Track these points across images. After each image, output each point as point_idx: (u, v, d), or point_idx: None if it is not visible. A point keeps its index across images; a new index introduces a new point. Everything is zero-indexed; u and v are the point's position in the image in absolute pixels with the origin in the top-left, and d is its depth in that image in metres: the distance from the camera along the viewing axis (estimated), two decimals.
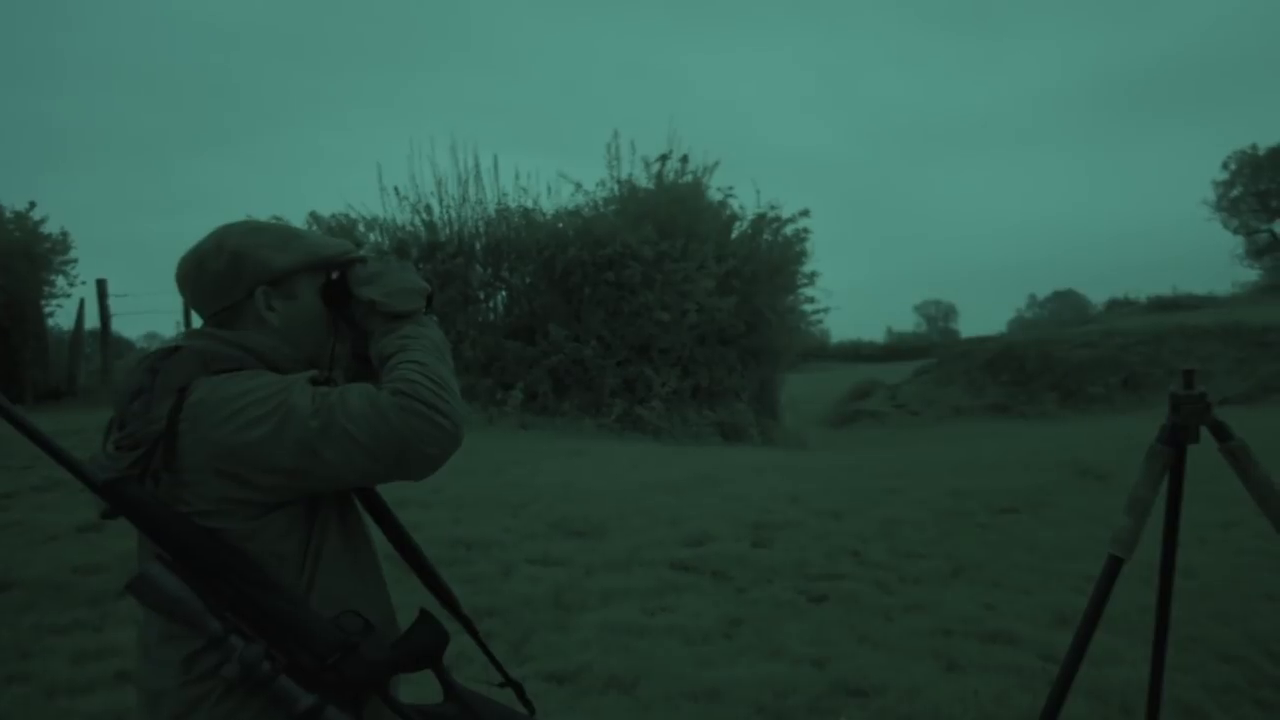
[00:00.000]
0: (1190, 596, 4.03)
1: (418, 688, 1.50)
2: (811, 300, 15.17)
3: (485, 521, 5.67)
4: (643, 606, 4.27)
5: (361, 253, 1.48)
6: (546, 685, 3.39)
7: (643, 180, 14.07)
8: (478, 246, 13.32)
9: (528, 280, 13.26)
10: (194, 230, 1.41)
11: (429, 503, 5.95)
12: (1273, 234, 44.83)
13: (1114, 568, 2.04)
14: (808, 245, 14.62)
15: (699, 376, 13.27)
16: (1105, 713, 3.11)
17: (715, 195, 14.22)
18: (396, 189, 13.61)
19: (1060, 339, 20.62)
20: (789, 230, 14.49)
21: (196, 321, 1.46)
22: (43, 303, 13.31)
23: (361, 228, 13.68)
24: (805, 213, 14.47)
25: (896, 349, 48.64)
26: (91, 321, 13.46)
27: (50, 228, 13.35)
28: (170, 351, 1.34)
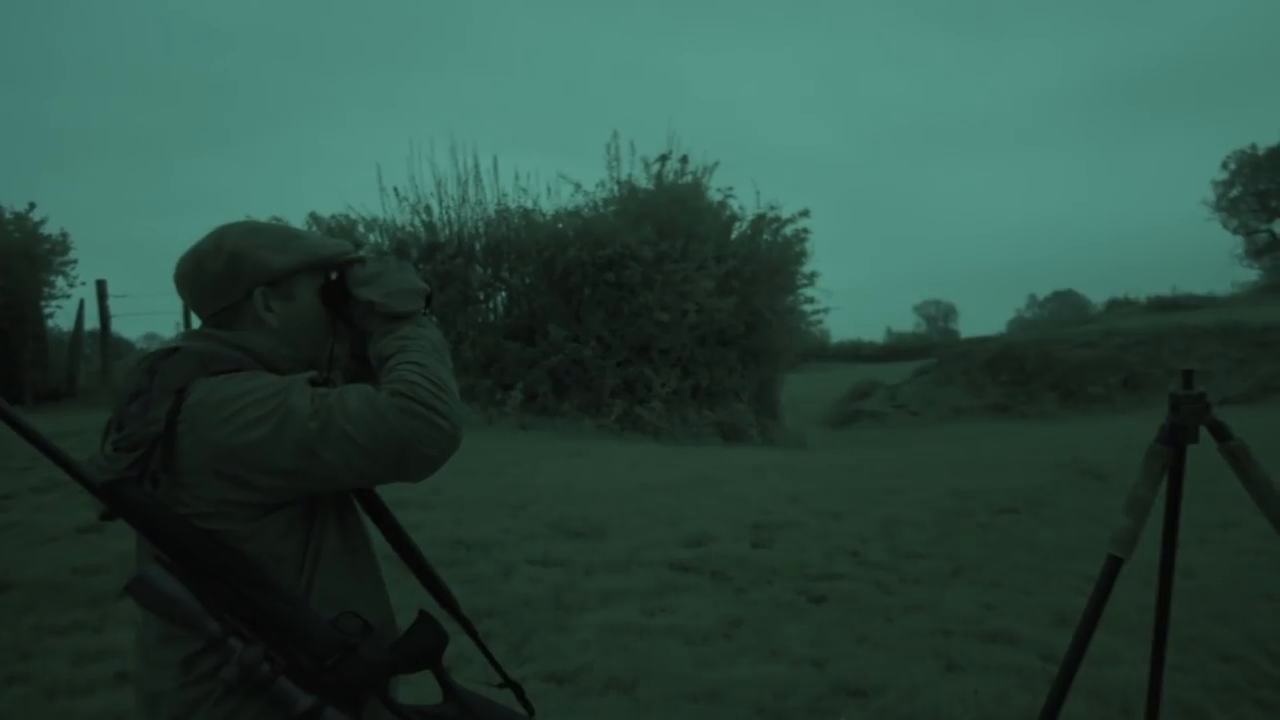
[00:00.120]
0: (1190, 596, 4.02)
1: (417, 689, 1.50)
2: (811, 300, 15.20)
3: (485, 522, 5.67)
4: (642, 607, 4.26)
5: (360, 253, 1.47)
6: (546, 686, 3.39)
7: (642, 181, 14.09)
8: (477, 247, 13.32)
9: (527, 281, 13.26)
10: (194, 231, 1.41)
11: (429, 503, 5.95)
12: (1272, 234, 44.85)
13: (1113, 568, 2.04)
14: (807, 245, 14.64)
15: (699, 377, 13.27)
16: (1105, 713, 3.11)
17: (715, 195, 14.25)
18: (396, 189, 13.62)
19: (1060, 339, 20.61)
20: (789, 230, 14.51)
21: (196, 323, 1.46)
22: (42, 304, 13.30)
23: (361, 228, 13.69)
24: (805, 213, 14.49)
25: (896, 349, 48.62)
26: (91, 322, 13.48)
27: (50, 228, 13.37)
28: (169, 352, 1.33)
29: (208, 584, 1.21)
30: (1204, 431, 2.05)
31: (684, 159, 13.98)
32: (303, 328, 1.40)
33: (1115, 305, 36.41)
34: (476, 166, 13.62)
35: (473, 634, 1.52)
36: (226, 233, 1.39)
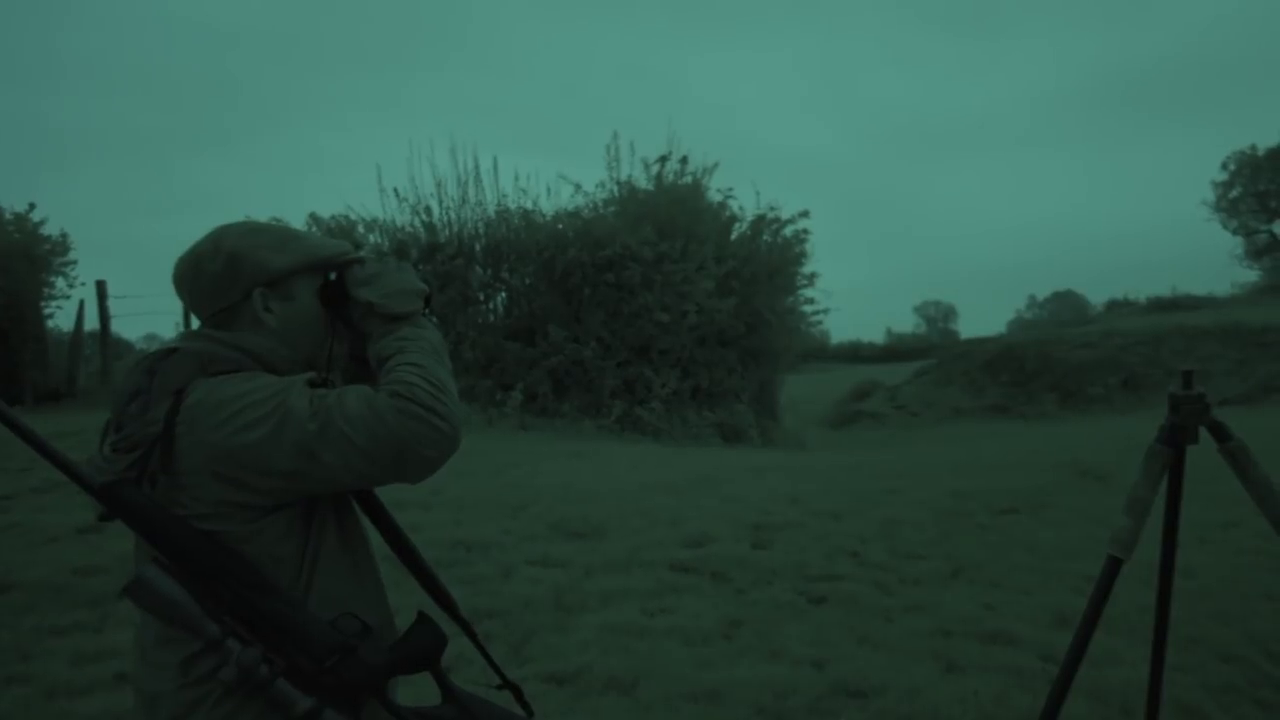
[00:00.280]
0: (1190, 597, 4.02)
1: (416, 690, 1.50)
2: (811, 301, 15.20)
3: (485, 523, 5.67)
4: (642, 608, 4.26)
5: (360, 254, 1.47)
6: (546, 686, 3.38)
7: (642, 181, 14.09)
8: (477, 248, 13.32)
9: (527, 281, 13.26)
10: (194, 231, 1.41)
11: (429, 504, 5.95)
12: (1272, 234, 44.85)
13: (1113, 568, 2.04)
14: (807, 246, 14.65)
15: (699, 377, 13.27)
16: (1105, 713, 3.11)
17: (715, 196, 14.26)
18: (396, 190, 13.63)
19: (1060, 339, 20.61)
20: (788, 231, 14.51)
21: (196, 323, 1.45)
22: (42, 304, 13.29)
23: (361, 229, 13.69)
24: (805, 214, 14.50)
25: (896, 350, 48.62)
26: (91, 323, 13.47)
27: (50, 229, 13.36)
28: (167, 353, 1.33)
29: (206, 585, 1.21)
30: (1203, 432, 2.05)
31: (684, 160, 13.99)
32: (302, 328, 1.40)
33: (1115, 306, 36.40)
34: (476, 167, 13.65)
35: (471, 635, 1.52)
36: (225, 233, 1.39)
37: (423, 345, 1.32)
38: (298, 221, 12.93)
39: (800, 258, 14.65)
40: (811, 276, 14.92)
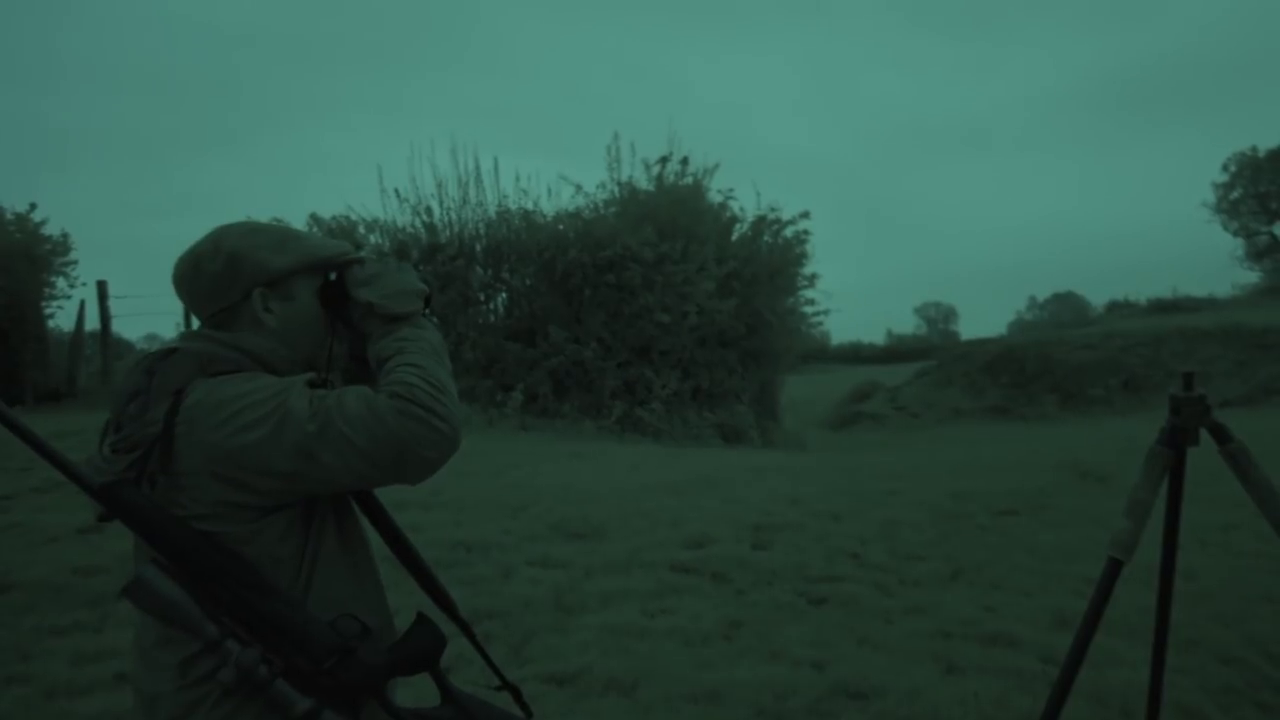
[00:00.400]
0: (1190, 599, 4.02)
1: (416, 691, 1.50)
2: (812, 302, 15.22)
3: (485, 524, 5.67)
4: (643, 608, 4.26)
5: (360, 254, 1.47)
6: (546, 687, 3.38)
7: (643, 182, 14.11)
8: (478, 248, 13.33)
9: (528, 282, 13.27)
10: (195, 232, 1.41)
11: (429, 505, 5.94)
12: (1272, 236, 44.84)
13: (1114, 570, 2.04)
14: (808, 247, 14.67)
15: (699, 378, 13.28)
16: (1105, 715, 3.11)
17: (715, 197, 14.27)
18: (397, 191, 13.64)
19: (1060, 341, 20.60)
20: (789, 232, 14.53)
21: (197, 324, 1.45)
22: (43, 304, 13.30)
23: (362, 229, 13.70)
24: (805, 215, 14.52)
25: (896, 351, 48.64)
26: (92, 323, 13.46)
27: (51, 229, 13.37)
28: (167, 353, 1.33)
29: (205, 586, 1.21)
30: (1204, 434, 2.05)
31: (684, 160, 14.01)
32: (301, 329, 1.40)
33: (1115, 307, 36.41)
34: (477, 168, 13.66)
35: (470, 636, 1.52)
36: (225, 233, 1.38)
37: (422, 346, 1.32)
38: (299, 222, 12.95)
39: (801, 259, 14.67)
40: (812, 277, 14.95)
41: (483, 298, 13.47)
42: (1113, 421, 15.27)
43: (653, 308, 12.74)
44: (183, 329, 1.64)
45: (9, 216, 12.99)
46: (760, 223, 14.38)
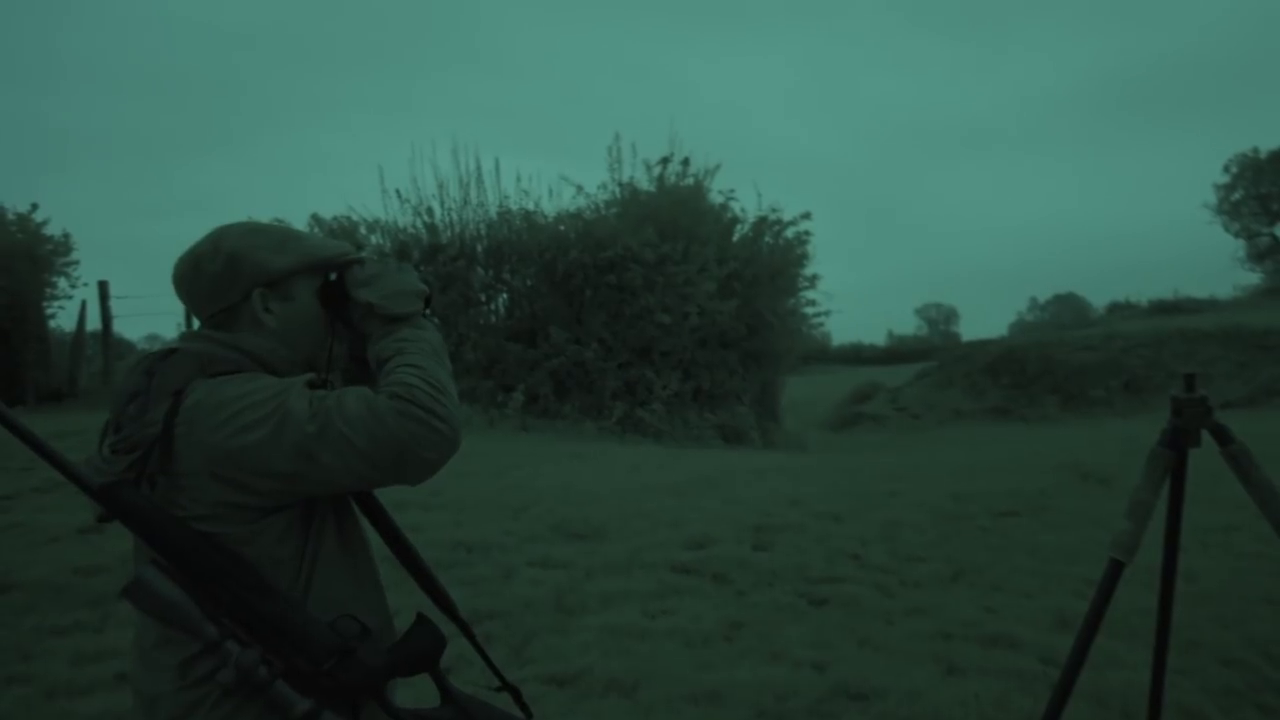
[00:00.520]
0: (1190, 600, 4.01)
1: (416, 692, 1.50)
2: (812, 303, 15.23)
3: (486, 524, 5.67)
4: (643, 609, 4.26)
5: (360, 254, 1.47)
6: (547, 688, 3.38)
7: (644, 183, 14.12)
8: (479, 249, 13.34)
9: (529, 283, 13.27)
10: (196, 232, 1.40)
11: (429, 505, 5.95)
12: (1274, 237, 44.80)
13: (1115, 571, 2.04)
14: (809, 248, 14.68)
15: (700, 379, 13.28)
16: (1106, 716, 3.10)
17: (716, 198, 14.29)
18: (398, 191, 13.65)
19: (1061, 342, 20.60)
20: (790, 233, 14.54)
21: (198, 324, 1.45)
22: (44, 304, 13.31)
23: (363, 230, 13.71)
24: (806, 215, 14.53)
25: (897, 352, 48.63)
26: (93, 323, 13.47)
27: (52, 229, 13.39)
28: (167, 354, 1.33)
29: (205, 587, 1.21)
30: (1205, 435, 2.05)
31: (685, 161, 14.02)
32: (301, 329, 1.40)
33: (1116, 308, 36.39)
34: (479, 168, 13.68)
35: (470, 637, 1.52)
36: (225, 233, 1.38)
37: (422, 346, 1.31)
38: (300, 222, 12.96)
39: (802, 259, 14.68)
40: (813, 278, 14.96)
41: (484, 298, 13.48)
42: (1114, 423, 15.27)
43: (654, 308, 12.74)
44: (184, 329, 1.64)
45: (11, 217, 13.01)
46: (761, 223, 14.39)
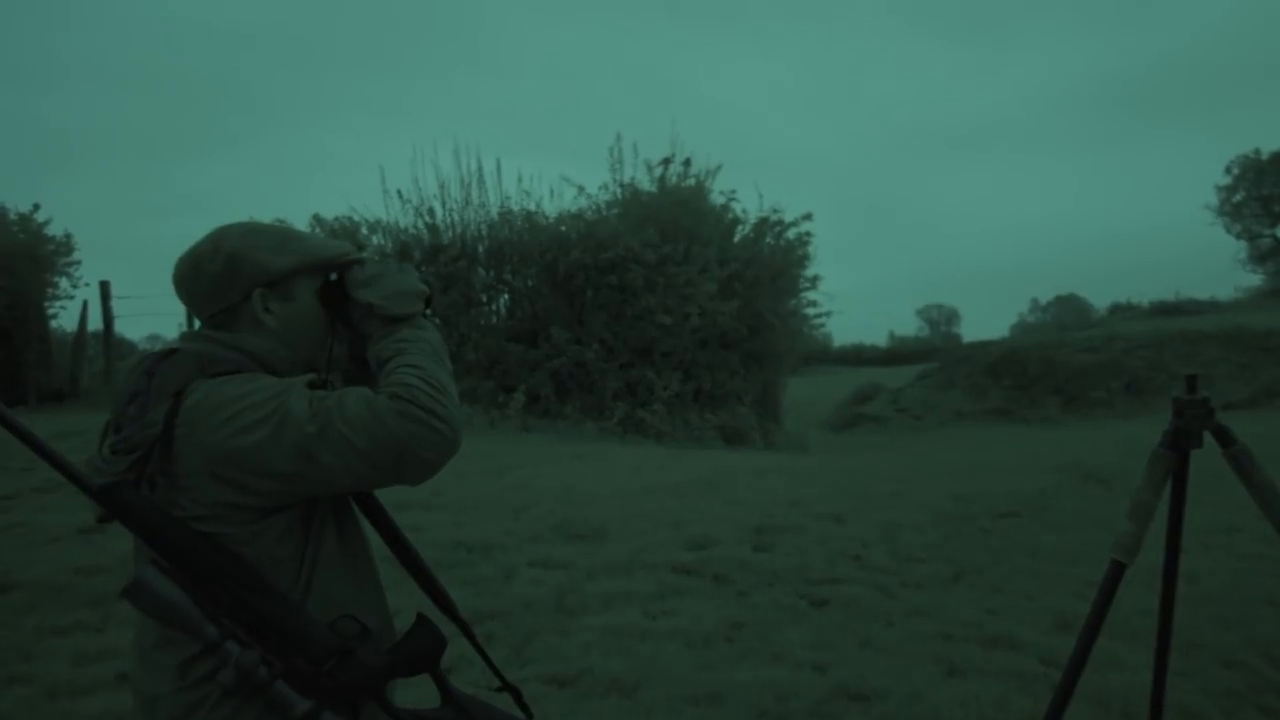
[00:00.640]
0: (1192, 601, 4.01)
1: (417, 692, 1.50)
2: (814, 304, 15.22)
3: (487, 524, 5.67)
4: (644, 610, 4.26)
5: (361, 255, 1.47)
6: (547, 688, 3.38)
7: (645, 183, 14.11)
8: (480, 249, 13.34)
9: (530, 283, 13.27)
10: (197, 232, 1.40)
11: (430, 505, 5.95)
12: (1275, 239, 44.75)
13: (1117, 573, 2.03)
14: (810, 249, 14.67)
15: (701, 380, 13.28)
16: (1107, 718, 3.10)
17: (718, 199, 14.28)
18: (400, 192, 13.65)
19: (1062, 343, 20.59)
20: (791, 234, 14.53)
21: (198, 324, 1.45)
22: (46, 304, 13.31)
23: (365, 230, 13.71)
24: (808, 216, 14.52)
25: (898, 353, 48.63)
26: (95, 323, 13.46)
27: (54, 229, 13.38)
28: (167, 354, 1.33)
29: (205, 587, 1.21)
30: (1206, 437, 2.04)
31: (687, 162, 14.02)
32: (302, 329, 1.40)
33: (1118, 309, 36.33)
34: (480, 169, 13.67)
35: (471, 637, 1.52)
36: (225, 234, 1.38)
37: (423, 347, 1.31)
38: (301, 222, 12.98)
39: (803, 260, 14.67)
40: (814, 279, 14.96)
41: (485, 299, 13.48)
42: (1114, 424, 15.26)
43: (655, 309, 12.74)
44: (185, 329, 1.64)
45: (12, 217, 13.01)
46: (762, 224, 14.38)
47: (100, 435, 1.32)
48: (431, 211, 13.47)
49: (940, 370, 21.96)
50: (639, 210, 13.55)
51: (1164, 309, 29.22)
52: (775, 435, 14.29)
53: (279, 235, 1.41)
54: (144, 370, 1.31)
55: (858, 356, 46.99)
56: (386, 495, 1.42)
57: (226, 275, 1.35)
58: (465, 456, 1.37)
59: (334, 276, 1.43)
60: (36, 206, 13.19)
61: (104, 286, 13.34)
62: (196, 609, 1.19)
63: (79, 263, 13.59)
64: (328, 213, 13.95)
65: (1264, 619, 4.13)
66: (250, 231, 1.39)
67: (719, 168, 14.18)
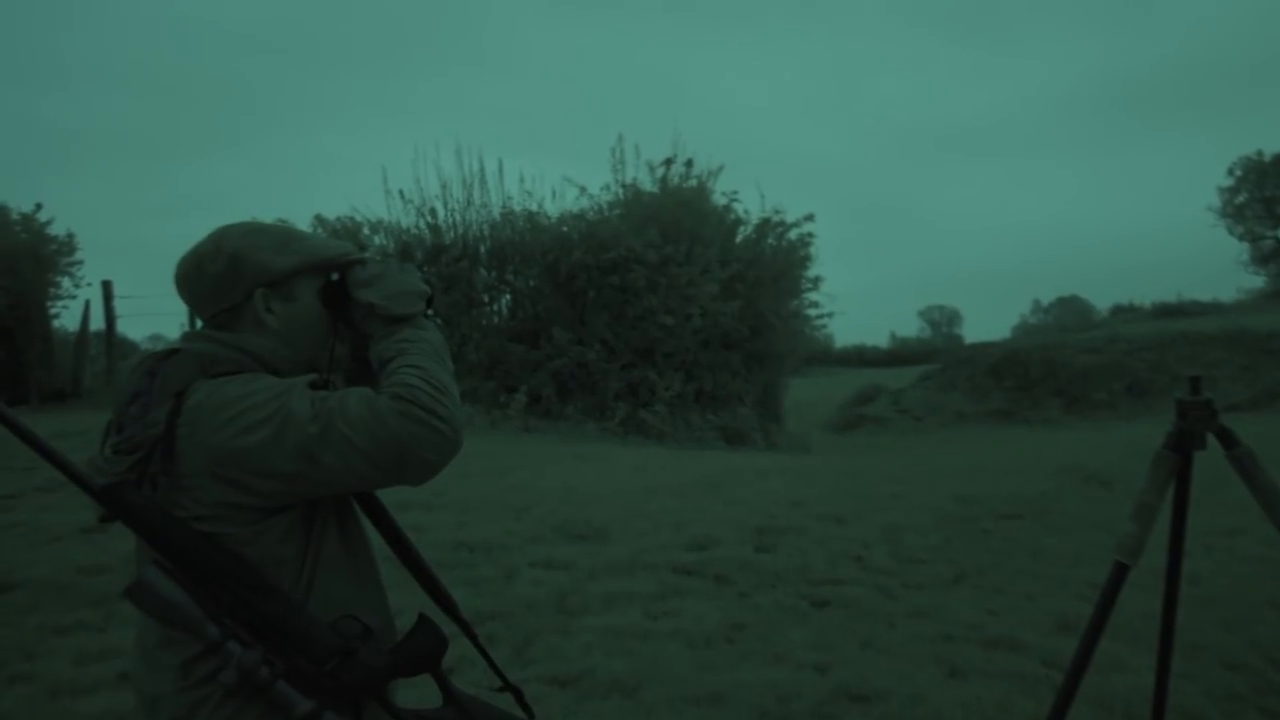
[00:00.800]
0: (1194, 603, 4.00)
1: (418, 692, 1.50)
2: (815, 305, 15.22)
3: (488, 525, 5.67)
4: (645, 610, 4.26)
5: (363, 255, 1.47)
6: (548, 689, 3.38)
7: (647, 184, 14.12)
8: (482, 250, 13.34)
9: (532, 283, 13.28)
10: (200, 232, 1.40)
11: (432, 505, 5.95)
12: (1278, 240, 44.69)
13: (1120, 574, 2.03)
14: (812, 250, 14.68)
15: (702, 380, 13.27)
16: None
17: (720, 199, 14.28)
18: (402, 192, 13.66)
19: (1064, 345, 20.58)
20: (793, 235, 14.54)
21: (200, 324, 1.45)
22: (48, 304, 13.34)
23: (367, 230, 13.72)
24: (810, 217, 14.53)
25: (900, 354, 48.65)
26: (97, 323, 13.48)
27: (57, 229, 13.42)
28: (168, 354, 1.33)
29: (207, 587, 1.21)
30: (1208, 439, 2.04)
31: (689, 162, 14.03)
32: (303, 329, 1.40)
33: (1120, 311, 36.28)
34: (482, 169, 13.71)
35: (472, 637, 1.52)
36: (227, 234, 1.38)
37: (424, 347, 1.31)
38: (303, 223, 12.98)
39: (805, 261, 14.68)
40: (816, 280, 14.96)
41: (486, 299, 13.49)
42: (1116, 426, 15.25)
43: (656, 310, 12.74)
44: (187, 329, 1.63)
45: (15, 216, 13.04)
46: (764, 225, 14.38)
47: (102, 435, 1.32)
48: (433, 212, 13.50)
49: (942, 371, 21.95)
50: (641, 211, 13.55)
51: (1166, 310, 29.19)
52: (777, 436, 14.28)
53: (281, 235, 1.41)
54: (146, 370, 1.31)
55: (859, 357, 46.99)
56: (388, 495, 1.42)
57: (228, 275, 1.34)
58: (467, 457, 1.37)
59: (336, 276, 1.43)
60: (39, 206, 13.26)
61: (106, 286, 13.36)
62: (198, 609, 1.19)
63: (81, 262, 13.64)
64: (330, 213, 14.00)
65: (1266, 621, 4.12)
66: (252, 231, 1.39)
67: (721, 168, 14.21)
